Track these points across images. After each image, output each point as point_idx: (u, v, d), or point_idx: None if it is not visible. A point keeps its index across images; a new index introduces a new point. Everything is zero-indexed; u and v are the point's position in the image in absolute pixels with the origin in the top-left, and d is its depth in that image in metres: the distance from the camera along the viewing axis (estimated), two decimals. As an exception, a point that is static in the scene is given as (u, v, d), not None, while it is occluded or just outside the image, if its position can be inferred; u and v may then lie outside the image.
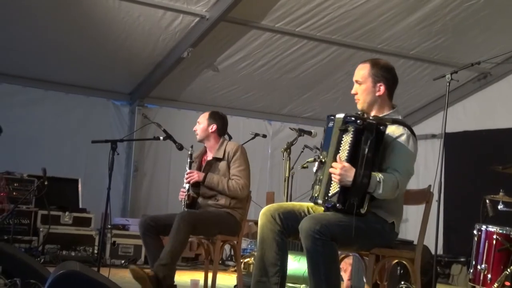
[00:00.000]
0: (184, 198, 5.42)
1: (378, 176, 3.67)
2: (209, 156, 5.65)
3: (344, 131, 3.73)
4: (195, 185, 5.53)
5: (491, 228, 5.76)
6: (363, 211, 3.67)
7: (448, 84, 5.64)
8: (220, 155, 5.51)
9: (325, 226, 3.59)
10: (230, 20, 7.49)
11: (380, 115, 3.95)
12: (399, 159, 3.80)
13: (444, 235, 8.82)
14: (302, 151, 7.21)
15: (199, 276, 6.02)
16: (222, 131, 5.68)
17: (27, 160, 8.07)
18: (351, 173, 3.64)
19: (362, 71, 4.03)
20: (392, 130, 3.86)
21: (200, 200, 5.55)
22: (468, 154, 9.10)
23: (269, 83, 9.07)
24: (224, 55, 8.29)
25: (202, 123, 5.67)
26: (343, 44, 8.25)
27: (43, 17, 7.26)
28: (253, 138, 6.81)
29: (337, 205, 3.69)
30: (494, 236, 5.69)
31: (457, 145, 8.90)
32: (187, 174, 5.48)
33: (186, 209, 5.37)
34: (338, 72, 8.94)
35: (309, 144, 7.17)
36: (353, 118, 3.70)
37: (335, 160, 3.73)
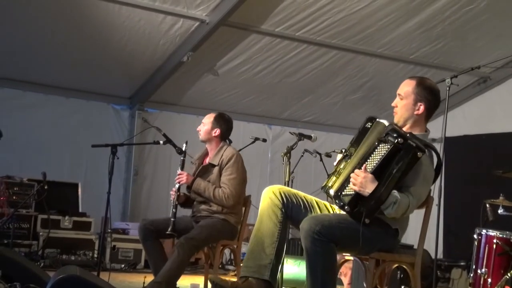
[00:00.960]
0: (174, 198, 5.38)
1: (396, 196, 3.65)
2: (208, 158, 5.63)
3: (382, 141, 3.67)
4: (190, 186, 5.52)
5: (491, 233, 5.75)
6: (367, 221, 3.64)
7: (448, 88, 5.64)
8: (216, 162, 5.48)
9: (326, 227, 3.58)
10: (230, 25, 7.50)
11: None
12: (418, 184, 3.77)
13: (444, 239, 8.82)
14: (302, 155, 7.21)
15: (199, 280, 6.02)
16: (225, 135, 5.64)
17: (27, 164, 8.07)
18: (372, 185, 3.60)
19: (407, 87, 4.01)
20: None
21: (194, 205, 5.55)
22: (468, 158, 9.10)
23: (269, 87, 9.08)
24: (224, 59, 8.30)
25: (206, 125, 5.61)
26: (342, 48, 8.26)
27: (43, 22, 7.27)
28: (253, 143, 6.80)
29: (346, 207, 3.67)
30: (494, 241, 5.69)
31: (457, 150, 8.90)
32: (178, 175, 5.45)
33: (175, 210, 5.33)
34: (338, 76, 8.94)
35: (309, 148, 7.16)
36: (395, 134, 3.63)
37: (361, 161, 3.71)
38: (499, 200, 6.09)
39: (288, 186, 5.63)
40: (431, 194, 4.17)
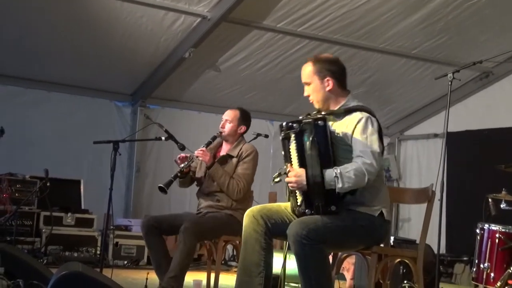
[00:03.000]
0: (184, 164, 5.35)
1: (334, 171, 3.61)
2: (223, 151, 5.62)
3: (287, 139, 3.72)
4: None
5: (494, 227, 5.75)
6: (333, 208, 3.63)
7: (450, 83, 5.63)
8: (235, 154, 5.49)
9: (313, 230, 3.57)
10: (231, 21, 7.49)
11: (336, 108, 3.92)
12: (360, 143, 3.73)
13: (446, 234, 8.81)
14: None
15: (201, 276, 6.02)
16: (246, 131, 5.70)
17: (30, 161, 8.07)
18: (303, 176, 3.62)
19: (307, 71, 3.99)
20: (350, 119, 3.82)
21: (200, 201, 5.56)
22: (470, 153, 9.09)
23: (271, 83, 9.07)
24: (226, 55, 8.29)
25: (232, 122, 5.58)
26: (345, 43, 8.24)
27: (45, 19, 7.27)
28: (255, 138, 6.79)
29: (306, 211, 3.68)
30: (497, 235, 5.69)
31: (459, 145, 8.89)
32: (201, 150, 5.39)
33: (179, 174, 5.37)
34: (340, 71, 8.91)
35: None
36: (290, 124, 3.70)
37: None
38: (502, 194, 6.07)
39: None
40: (433, 189, 4.17)
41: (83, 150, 8.53)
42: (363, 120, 3.78)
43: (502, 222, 5.87)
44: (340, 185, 3.59)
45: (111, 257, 7.72)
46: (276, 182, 5.11)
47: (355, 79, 9.14)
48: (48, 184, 6.75)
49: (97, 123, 8.86)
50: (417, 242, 4.32)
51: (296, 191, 3.71)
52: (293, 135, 3.68)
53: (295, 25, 7.77)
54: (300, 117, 3.81)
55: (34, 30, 7.45)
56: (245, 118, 5.65)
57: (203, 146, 5.45)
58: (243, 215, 5.37)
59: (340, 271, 6.17)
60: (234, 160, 5.48)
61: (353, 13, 7.59)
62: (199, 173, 5.61)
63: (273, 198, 8.59)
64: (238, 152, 5.49)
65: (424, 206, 4.15)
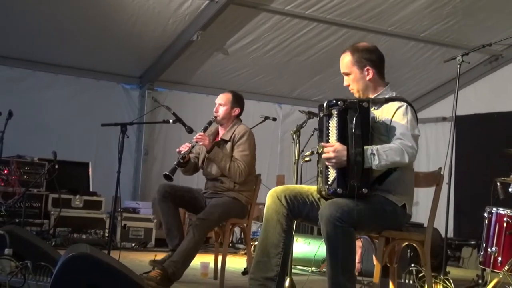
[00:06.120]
0: (185, 151, 5.42)
1: (370, 148, 3.61)
2: (220, 137, 5.66)
3: (328, 116, 3.67)
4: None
5: (502, 211, 5.74)
6: (365, 191, 3.61)
7: (459, 66, 5.61)
8: (227, 137, 5.53)
9: (346, 212, 3.56)
10: (239, 3, 7.46)
11: (374, 96, 3.94)
12: (400, 126, 3.75)
13: (454, 218, 8.80)
14: (312, 134, 7.19)
15: (209, 259, 6.05)
16: (241, 114, 5.72)
17: (38, 144, 8.09)
18: (343, 152, 3.58)
19: (345, 61, 4.00)
20: (388, 107, 3.83)
21: (205, 182, 5.63)
22: (478, 137, 9.06)
23: (279, 66, 9.05)
24: (233, 38, 8.26)
25: (225, 106, 5.62)
26: (353, 26, 8.20)
27: (53, 2, 7.25)
28: (263, 121, 6.80)
29: (338, 190, 3.64)
30: (505, 219, 5.67)
31: (467, 128, 8.86)
32: (199, 135, 5.45)
33: (182, 160, 5.46)
34: (348, 55, 8.88)
35: (319, 127, 7.16)
36: (334, 101, 3.65)
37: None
38: (510, 178, 6.05)
39: (297, 164, 5.68)
40: (442, 173, 4.17)
41: (91, 132, 8.56)
42: (403, 107, 3.81)
43: (510, 206, 5.85)
44: (376, 161, 3.60)
45: (119, 239, 7.76)
46: (306, 161, 5.11)
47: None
48: (56, 166, 6.75)
49: (105, 106, 8.86)
50: (425, 225, 4.31)
51: (329, 168, 3.66)
52: (335, 112, 3.64)
53: (303, 8, 7.73)
54: (336, 97, 3.76)
55: (42, 14, 7.43)
56: (237, 100, 5.66)
57: (201, 131, 5.50)
58: (248, 198, 5.47)
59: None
60: (229, 144, 5.51)
61: (361, -4, 7.56)
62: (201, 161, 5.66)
63: (281, 181, 8.60)
64: (231, 136, 5.52)
65: (432, 189, 4.14)
